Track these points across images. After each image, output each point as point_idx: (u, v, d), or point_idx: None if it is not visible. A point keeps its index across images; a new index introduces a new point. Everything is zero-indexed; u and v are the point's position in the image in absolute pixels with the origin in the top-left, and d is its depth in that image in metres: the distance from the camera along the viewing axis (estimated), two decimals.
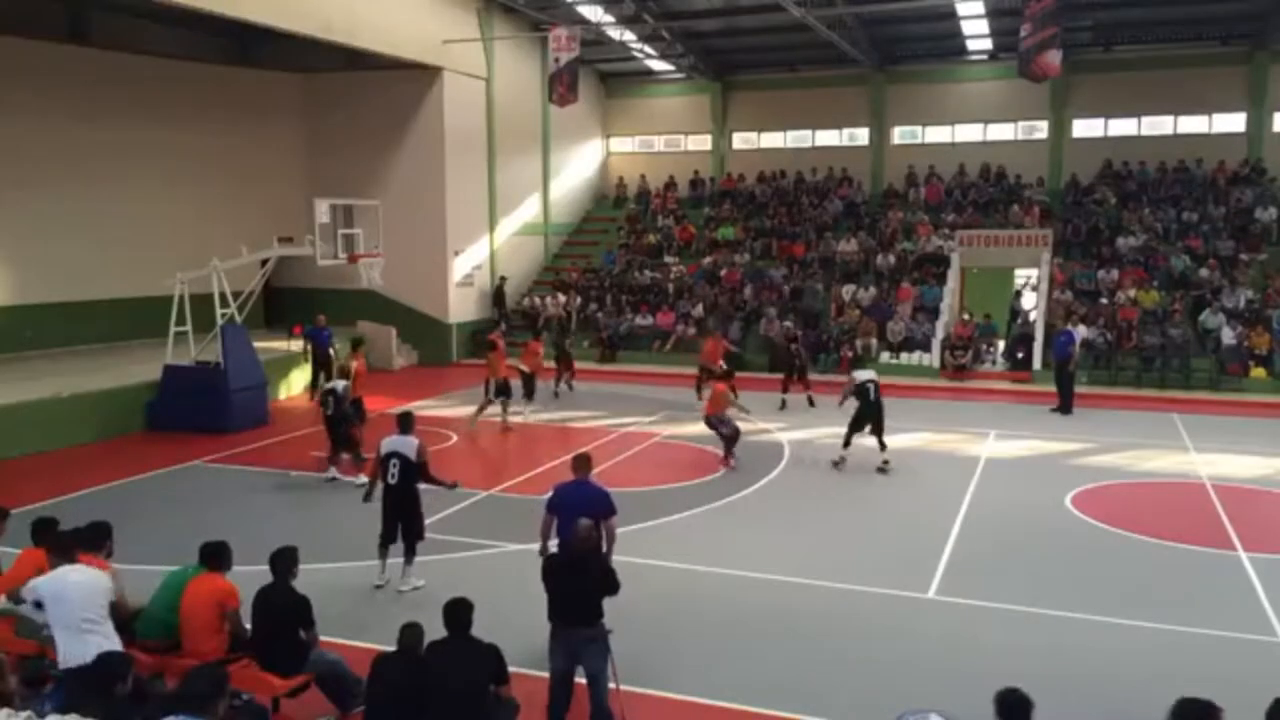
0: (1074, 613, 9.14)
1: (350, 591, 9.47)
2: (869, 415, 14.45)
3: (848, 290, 25.79)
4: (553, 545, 7.94)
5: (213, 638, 6.79)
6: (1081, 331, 20.47)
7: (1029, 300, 25.20)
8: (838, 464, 14.64)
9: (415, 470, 9.60)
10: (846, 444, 14.65)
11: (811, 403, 19.51)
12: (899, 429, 17.56)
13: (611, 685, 6.66)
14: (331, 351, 19.65)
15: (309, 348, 20.29)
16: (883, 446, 14.47)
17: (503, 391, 17.36)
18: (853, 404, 14.66)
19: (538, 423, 18.16)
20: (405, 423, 9.97)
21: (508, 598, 8.62)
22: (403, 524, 9.62)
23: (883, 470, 14.37)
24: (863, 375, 14.87)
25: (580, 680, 6.68)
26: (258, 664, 6.72)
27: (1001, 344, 24.04)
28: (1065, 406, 18.91)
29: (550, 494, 8.40)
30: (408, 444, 9.65)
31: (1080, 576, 10.19)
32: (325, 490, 13.63)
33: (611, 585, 6.68)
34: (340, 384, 14.17)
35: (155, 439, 16.71)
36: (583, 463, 8.33)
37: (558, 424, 18.28)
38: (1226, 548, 11.03)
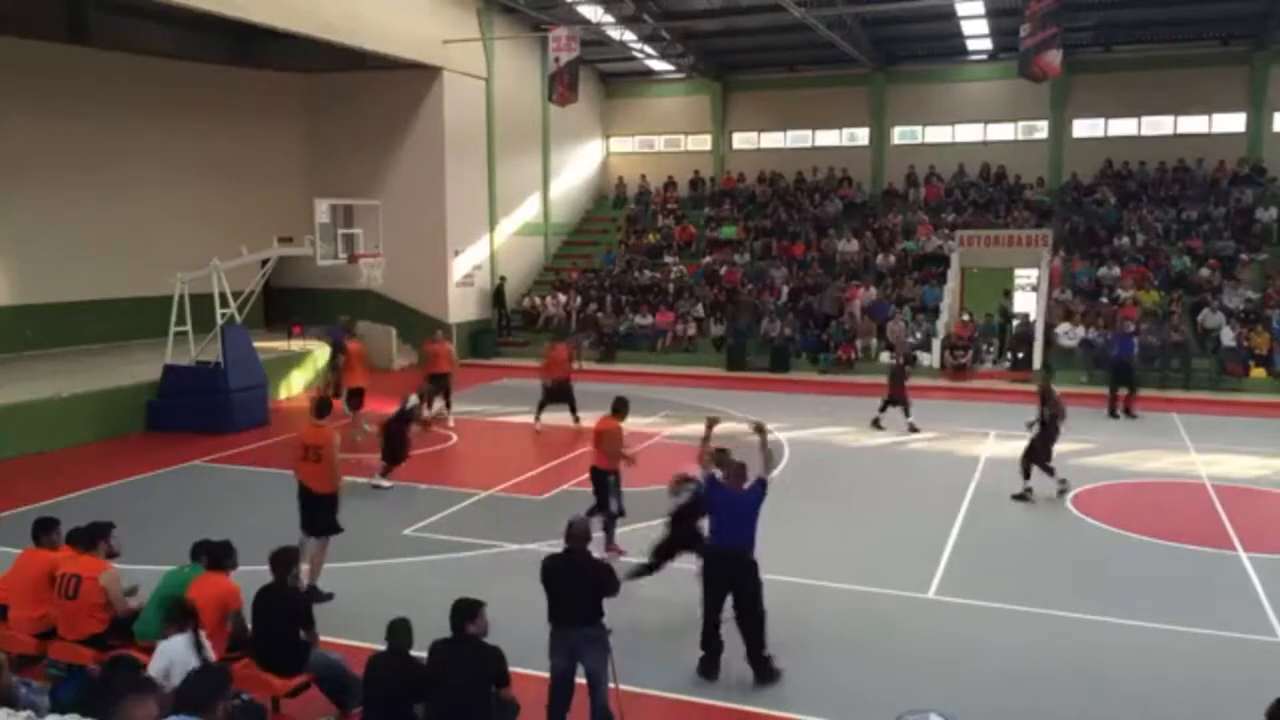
0: (1074, 613, 9.14)
1: (350, 591, 9.47)
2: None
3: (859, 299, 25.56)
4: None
5: (214, 638, 6.78)
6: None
7: (1020, 302, 25.25)
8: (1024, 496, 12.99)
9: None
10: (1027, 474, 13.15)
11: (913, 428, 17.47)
12: (899, 429, 17.59)
13: (611, 685, 6.66)
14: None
15: (331, 347, 20.45)
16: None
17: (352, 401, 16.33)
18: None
19: (541, 424, 18.13)
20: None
21: (508, 598, 8.61)
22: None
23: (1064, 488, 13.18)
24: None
25: (581, 680, 6.68)
26: (258, 664, 6.73)
27: (996, 344, 24.10)
28: (1129, 409, 18.63)
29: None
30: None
31: (1080, 576, 10.19)
32: None
33: (611, 586, 6.68)
34: (412, 399, 14.12)
35: (155, 439, 16.71)
36: (737, 470, 8.06)
37: (557, 424, 18.25)
38: (1226, 548, 11.03)
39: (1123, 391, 18.91)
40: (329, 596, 9.30)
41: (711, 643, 7.77)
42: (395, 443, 13.57)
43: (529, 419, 17.73)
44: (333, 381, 19.56)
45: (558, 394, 17.35)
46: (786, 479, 14.31)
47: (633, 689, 6.97)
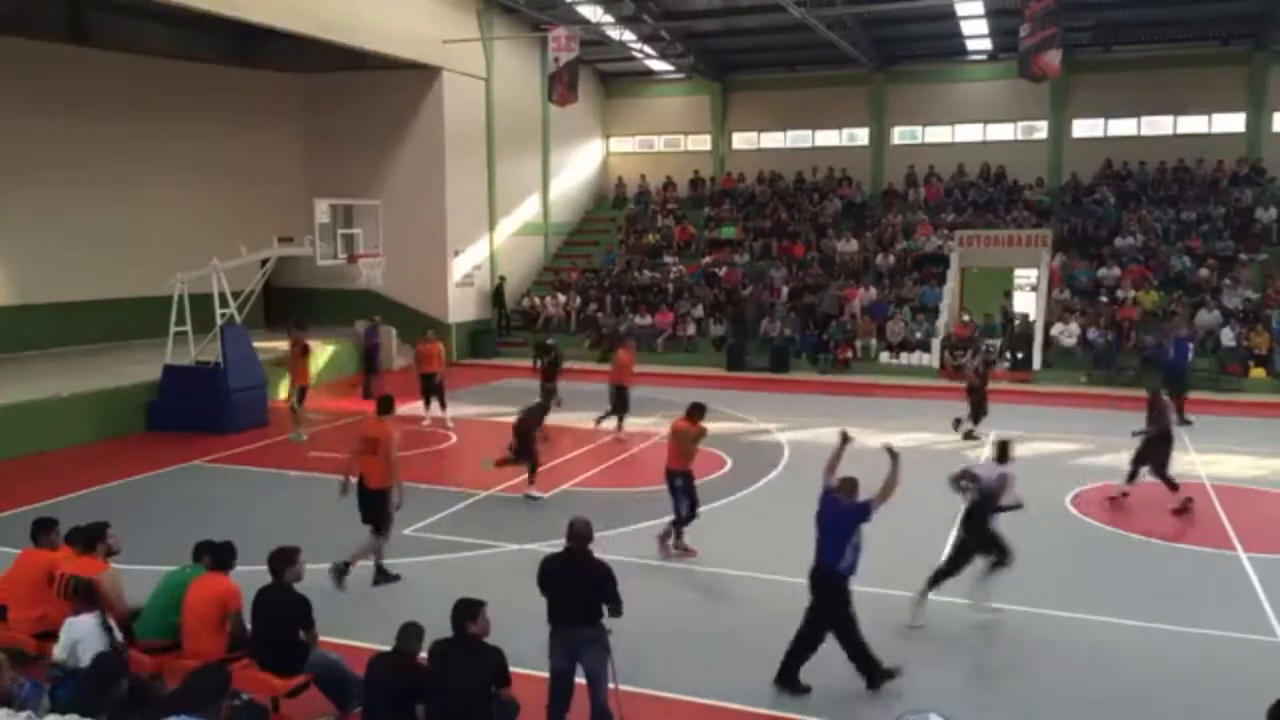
0: (1074, 613, 9.14)
1: (350, 591, 9.47)
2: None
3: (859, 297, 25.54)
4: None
5: (214, 638, 6.80)
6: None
7: (1020, 302, 25.24)
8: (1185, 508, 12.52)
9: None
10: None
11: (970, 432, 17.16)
12: (899, 429, 17.58)
13: (611, 685, 6.65)
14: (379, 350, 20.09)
15: (363, 346, 20.68)
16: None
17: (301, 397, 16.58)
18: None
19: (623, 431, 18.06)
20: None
21: (507, 598, 8.61)
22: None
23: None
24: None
25: (580, 680, 6.67)
26: (257, 664, 6.72)
27: (997, 344, 24.12)
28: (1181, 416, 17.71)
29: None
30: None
31: (1080, 576, 10.19)
32: (326, 491, 13.60)
33: (609, 590, 6.55)
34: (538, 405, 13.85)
35: (155, 439, 16.70)
36: (846, 484, 7.94)
37: (557, 424, 18.23)
38: (1226, 548, 11.03)
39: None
40: (396, 577, 9.85)
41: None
42: (528, 449, 13.09)
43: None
44: (366, 380, 20.09)
45: (619, 399, 16.87)
46: (786, 479, 14.33)
47: (630, 689, 6.97)
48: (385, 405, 10.31)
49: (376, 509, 9.76)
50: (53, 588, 7.14)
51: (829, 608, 7.57)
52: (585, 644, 6.56)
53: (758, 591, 9.78)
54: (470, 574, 10.03)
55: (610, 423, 16.93)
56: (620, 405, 16.84)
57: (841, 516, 7.64)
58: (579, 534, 6.72)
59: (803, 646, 7.58)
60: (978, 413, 16.92)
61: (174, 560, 7.56)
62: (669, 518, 10.82)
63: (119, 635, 6.51)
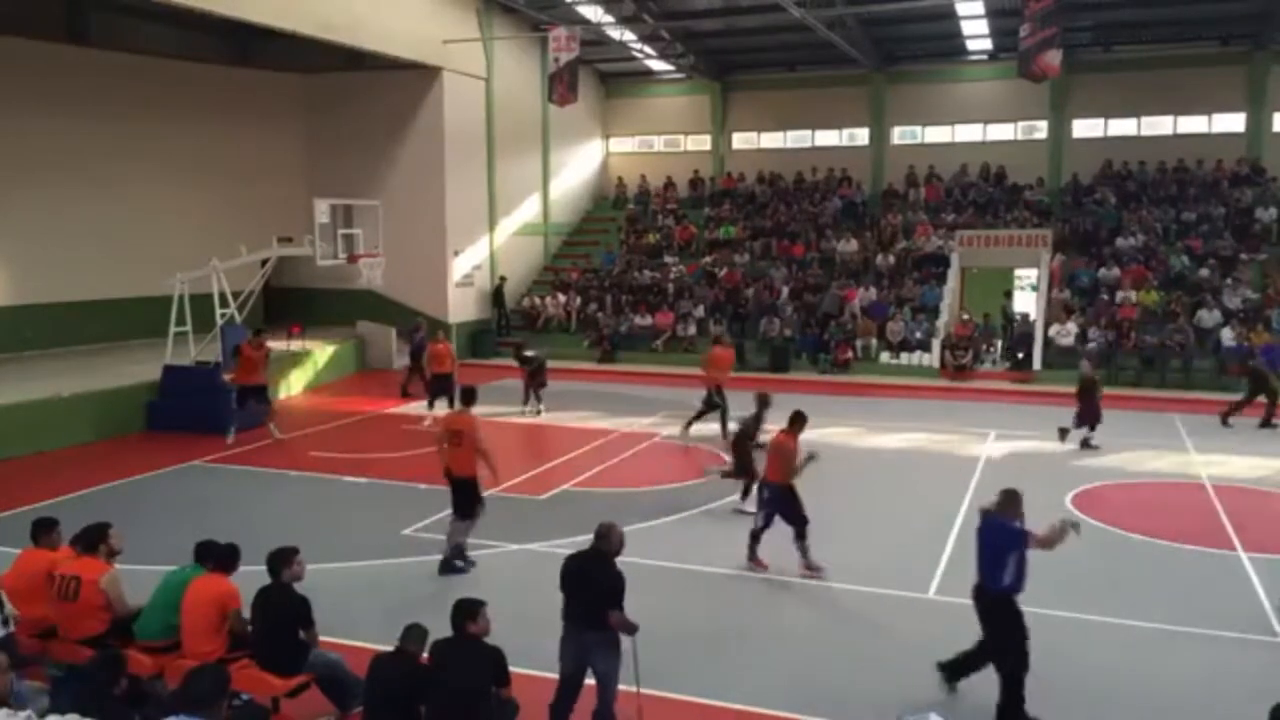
0: (1073, 613, 9.15)
1: (350, 591, 9.46)
2: None
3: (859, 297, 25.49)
4: None
5: (213, 638, 6.79)
6: None
7: (1020, 302, 25.25)
8: None
9: None
10: None
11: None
12: (899, 429, 17.61)
13: (633, 689, 6.63)
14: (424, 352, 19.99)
15: (411, 348, 20.84)
16: None
17: (242, 400, 16.27)
18: None
19: (542, 423, 18.14)
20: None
21: (508, 598, 8.62)
22: None
23: None
24: None
25: (590, 681, 6.66)
26: (257, 664, 6.72)
27: (999, 344, 24.14)
28: (1270, 420, 17.68)
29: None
30: None
31: (1080, 576, 10.18)
32: (326, 491, 13.64)
33: (616, 599, 6.48)
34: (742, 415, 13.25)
35: (155, 439, 16.70)
36: (1008, 500, 7.47)
37: (558, 425, 18.27)
38: (1226, 548, 11.03)
39: (1261, 399, 17.80)
40: (472, 564, 10.13)
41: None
42: (744, 458, 12.44)
43: (533, 419, 17.52)
44: (409, 377, 20.26)
45: (715, 402, 16.23)
46: None
47: (626, 688, 6.95)
48: (468, 397, 10.76)
49: (464, 495, 10.07)
50: (53, 588, 7.14)
51: (1002, 630, 7.11)
52: (594, 647, 6.55)
53: (758, 591, 9.78)
54: (470, 574, 10.03)
55: (707, 427, 16.17)
56: (714, 406, 16.05)
57: (999, 536, 7.21)
58: (600, 535, 6.70)
59: (975, 661, 7.36)
60: (1093, 419, 15.84)
61: (174, 560, 7.55)
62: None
63: (11, 609, 6.73)
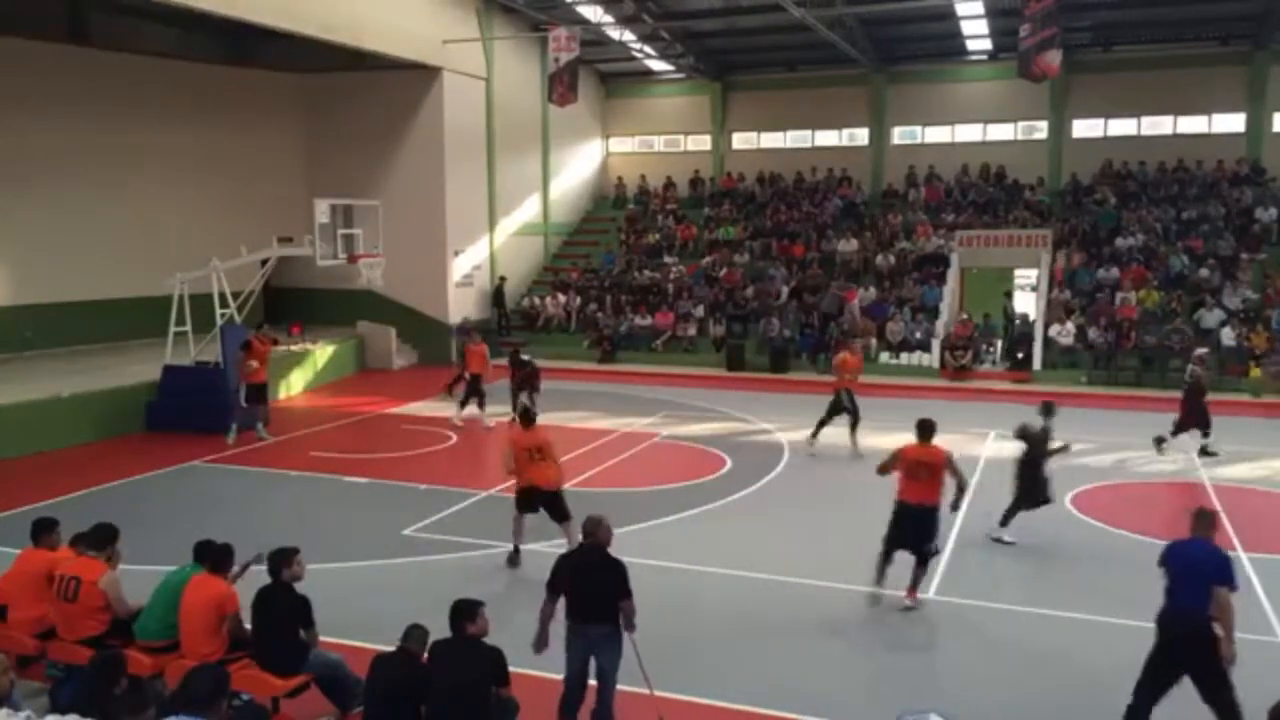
0: (1073, 613, 9.15)
1: (350, 591, 9.46)
2: None
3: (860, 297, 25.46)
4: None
5: (212, 639, 6.80)
6: None
7: (1020, 302, 25.25)
8: None
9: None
10: None
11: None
12: (899, 429, 17.57)
13: (645, 691, 6.64)
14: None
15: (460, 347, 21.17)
16: None
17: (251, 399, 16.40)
18: None
19: (541, 423, 18.08)
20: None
21: (508, 598, 8.62)
22: None
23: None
24: None
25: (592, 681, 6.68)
26: (257, 664, 6.73)
27: (1000, 345, 24.14)
28: None
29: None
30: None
31: (1080, 577, 10.19)
32: (326, 491, 13.63)
33: (625, 588, 6.57)
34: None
35: (155, 439, 16.70)
36: (1204, 521, 7.07)
37: (557, 424, 18.26)
38: (1227, 548, 10.99)
39: None
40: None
41: None
42: (1029, 483, 11.50)
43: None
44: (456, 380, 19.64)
45: (841, 407, 15.72)
46: (786, 479, 14.33)
47: (631, 689, 6.96)
48: (528, 418, 11.22)
49: (558, 505, 10.34)
50: (52, 588, 7.14)
51: (1199, 657, 6.58)
52: (602, 640, 6.57)
53: (758, 592, 9.77)
54: (470, 574, 10.03)
55: (837, 434, 15.66)
56: (845, 410, 15.54)
57: (1200, 554, 6.73)
58: (590, 530, 6.80)
59: (1156, 691, 6.84)
60: (1203, 423, 15.28)
61: (174, 560, 7.56)
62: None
63: None
